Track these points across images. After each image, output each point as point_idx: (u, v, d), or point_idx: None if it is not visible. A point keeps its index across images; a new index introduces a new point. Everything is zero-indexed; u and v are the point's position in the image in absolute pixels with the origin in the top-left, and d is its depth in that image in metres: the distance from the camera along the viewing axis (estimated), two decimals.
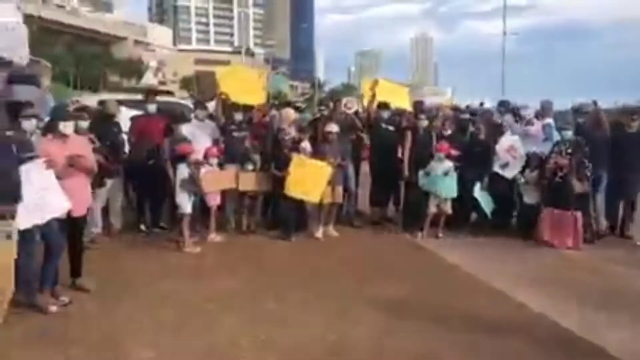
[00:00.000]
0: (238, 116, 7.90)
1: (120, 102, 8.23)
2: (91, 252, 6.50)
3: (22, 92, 5.18)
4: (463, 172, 7.84)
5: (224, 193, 7.63)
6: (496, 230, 7.84)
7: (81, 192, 5.13)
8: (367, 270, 6.39)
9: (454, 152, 7.79)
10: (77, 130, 6.01)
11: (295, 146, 7.78)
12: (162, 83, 67.65)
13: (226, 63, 51.61)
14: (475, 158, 7.94)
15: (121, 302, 5.10)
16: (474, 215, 8.27)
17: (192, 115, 8.22)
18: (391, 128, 8.61)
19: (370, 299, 5.35)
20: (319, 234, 7.85)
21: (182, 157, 6.91)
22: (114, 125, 7.41)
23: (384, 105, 8.61)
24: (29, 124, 4.56)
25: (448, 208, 7.87)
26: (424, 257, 7.06)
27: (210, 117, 8.17)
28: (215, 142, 7.76)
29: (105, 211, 7.42)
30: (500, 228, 7.92)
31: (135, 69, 62.24)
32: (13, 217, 3.47)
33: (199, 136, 7.59)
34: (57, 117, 5.00)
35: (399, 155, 8.44)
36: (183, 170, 6.83)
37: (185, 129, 7.59)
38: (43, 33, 53.28)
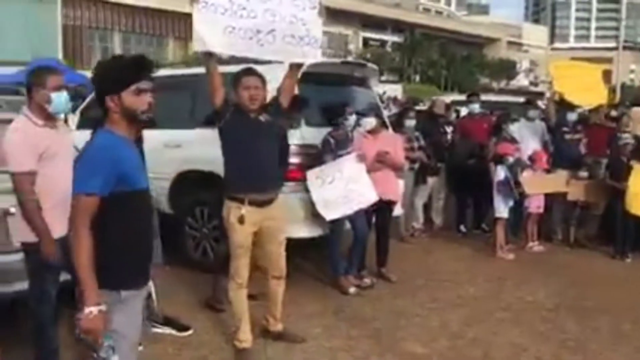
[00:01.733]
0: (572, 117, 7.20)
1: (452, 103, 8.41)
2: (407, 246, 6.92)
3: (351, 94, 5.79)
4: None
5: (550, 200, 7.06)
6: None
7: (388, 186, 5.46)
8: None
9: None
10: (403, 128, 6.53)
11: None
12: (534, 84, 65.63)
13: (607, 60, 47.14)
14: None
15: (415, 295, 5.24)
16: None
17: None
18: None
19: None
20: None
21: (502, 158, 6.66)
22: (440, 124, 7.64)
23: None
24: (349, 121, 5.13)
25: None
26: None
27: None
28: (544, 144, 7.25)
29: (427, 208, 7.69)
30: None
31: (505, 70, 61.80)
32: (250, 202, 3.69)
33: (526, 137, 7.22)
34: (362, 115, 5.43)
35: None
36: (500, 172, 6.57)
37: (513, 129, 7.30)
38: (423, 39, 57.70)
